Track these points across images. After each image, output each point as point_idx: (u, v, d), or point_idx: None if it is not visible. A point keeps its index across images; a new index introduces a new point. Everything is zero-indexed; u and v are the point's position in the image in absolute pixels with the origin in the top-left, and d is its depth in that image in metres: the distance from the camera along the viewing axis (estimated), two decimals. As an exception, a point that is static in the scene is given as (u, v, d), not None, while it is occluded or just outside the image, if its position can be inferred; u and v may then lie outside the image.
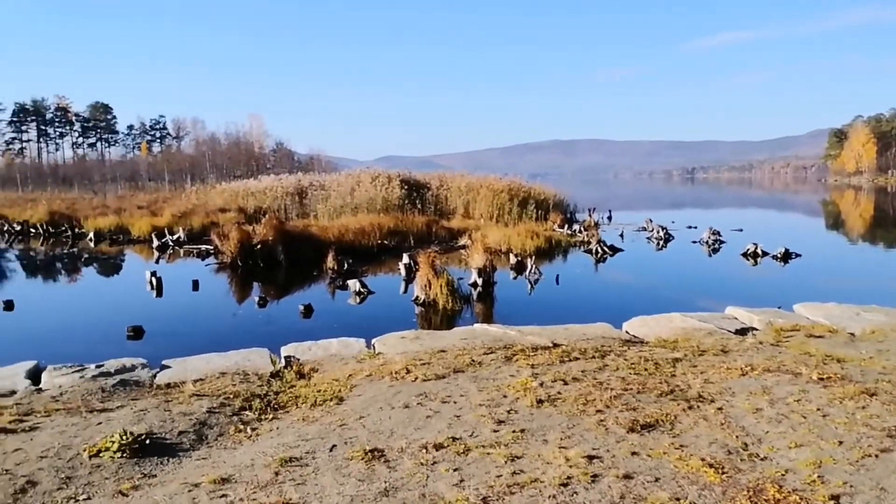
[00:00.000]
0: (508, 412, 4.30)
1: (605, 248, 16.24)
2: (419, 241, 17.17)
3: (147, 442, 3.98)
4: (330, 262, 12.98)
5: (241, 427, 4.40)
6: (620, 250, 16.68)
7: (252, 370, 5.73)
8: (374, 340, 6.61)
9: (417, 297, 9.90)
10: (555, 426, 4.03)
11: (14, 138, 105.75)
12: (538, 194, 23.73)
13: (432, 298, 9.72)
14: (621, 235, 20.14)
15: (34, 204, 30.18)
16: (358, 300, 10.52)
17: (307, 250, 14.32)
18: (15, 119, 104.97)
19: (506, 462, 3.51)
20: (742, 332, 6.86)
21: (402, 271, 12.32)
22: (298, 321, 9.18)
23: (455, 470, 3.43)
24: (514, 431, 3.94)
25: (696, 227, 21.88)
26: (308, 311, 9.48)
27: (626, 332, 7.08)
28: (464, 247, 16.27)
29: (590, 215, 24.83)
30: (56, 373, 5.56)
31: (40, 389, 5.24)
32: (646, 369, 5.27)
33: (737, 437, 3.85)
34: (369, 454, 3.67)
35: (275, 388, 5.26)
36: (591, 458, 3.54)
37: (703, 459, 3.51)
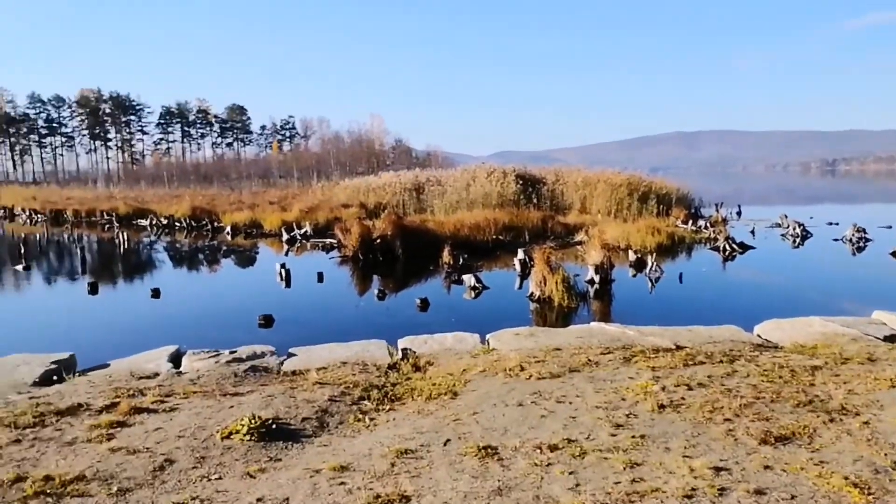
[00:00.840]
0: (627, 416, 4.14)
1: (734, 246, 15.32)
2: (534, 236, 17.03)
3: (273, 427, 4.20)
4: (446, 256, 13.15)
5: (360, 416, 4.53)
6: (751, 248, 15.69)
7: (371, 361, 5.91)
8: (488, 336, 6.61)
9: (532, 293, 9.80)
10: (678, 433, 3.83)
11: (161, 139, 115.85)
12: (659, 188, 22.85)
13: (547, 295, 9.58)
14: (752, 232, 18.97)
15: (179, 200, 32.83)
16: (472, 295, 10.57)
17: (424, 245, 14.61)
18: (162, 121, 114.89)
19: (624, 468, 3.37)
20: (891, 339, 6.24)
21: (517, 267, 12.24)
22: (415, 314, 9.36)
23: (570, 473, 3.34)
24: (633, 437, 3.78)
25: (837, 224, 20.20)
26: (425, 304, 9.65)
27: (758, 335, 6.64)
28: (580, 243, 15.95)
29: (717, 211, 23.57)
30: (194, 357, 6.00)
31: (180, 372, 5.68)
32: (780, 377, 4.89)
33: (885, 455, 3.48)
34: (483, 451, 3.65)
35: (392, 380, 5.39)
36: (718, 469, 3.33)
37: (846, 478, 3.20)
